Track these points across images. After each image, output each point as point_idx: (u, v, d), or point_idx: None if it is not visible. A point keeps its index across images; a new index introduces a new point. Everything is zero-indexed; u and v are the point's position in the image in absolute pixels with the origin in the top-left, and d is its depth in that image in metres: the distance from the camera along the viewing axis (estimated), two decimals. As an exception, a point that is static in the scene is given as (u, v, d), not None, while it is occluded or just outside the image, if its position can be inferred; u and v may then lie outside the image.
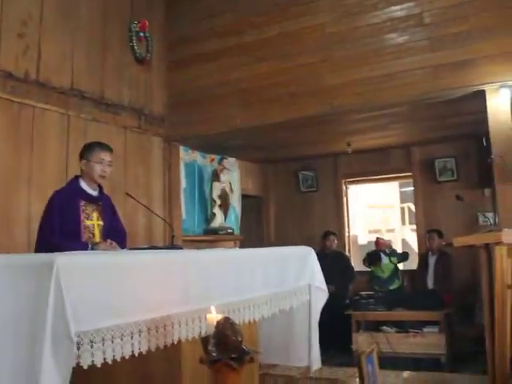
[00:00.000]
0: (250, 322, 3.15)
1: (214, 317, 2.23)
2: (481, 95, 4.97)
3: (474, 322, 6.14)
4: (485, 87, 4.95)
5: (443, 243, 6.55)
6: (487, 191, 6.82)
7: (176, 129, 6.43)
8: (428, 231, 7.15)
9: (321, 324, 7.03)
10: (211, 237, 7.13)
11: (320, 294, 3.83)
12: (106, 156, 3.73)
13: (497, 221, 5.18)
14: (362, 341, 2.67)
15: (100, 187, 3.82)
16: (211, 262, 2.83)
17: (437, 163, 7.60)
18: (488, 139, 5.03)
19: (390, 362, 5.78)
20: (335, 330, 6.05)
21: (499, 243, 3.59)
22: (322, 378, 4.52)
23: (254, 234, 8.31)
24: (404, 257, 7.34)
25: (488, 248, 3.76)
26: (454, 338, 6.33)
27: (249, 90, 5.92)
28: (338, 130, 6.69)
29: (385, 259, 7.07)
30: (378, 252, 7.18)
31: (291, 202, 8.70)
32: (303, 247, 3.86)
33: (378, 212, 12.04)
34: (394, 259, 7.11)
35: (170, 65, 6.53)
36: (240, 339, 2.18)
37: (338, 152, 7.87)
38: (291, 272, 3.57)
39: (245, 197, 8.29)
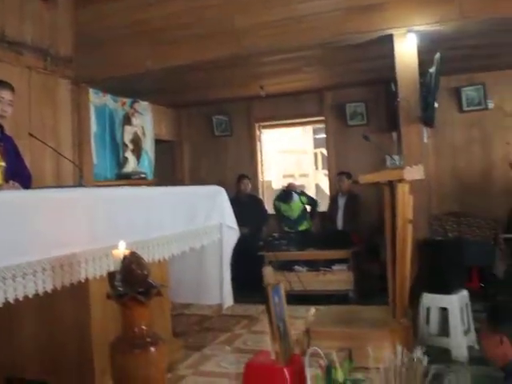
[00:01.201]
0: (159, 261, 3.16)
1: (120, 252, 2.22)
2: (389, 40, 5.07)
3: (380, 259, 6.44)
4: (392, 31, 5.05)
5: (350, 181, 6.72)
6: (395, 135, 7.06)
7: (85, 70, 6.17)
8: (338, 173, 7.35)
9: (235, 265, 7.15)
10: (124, 182, 6.99)
11: (231, 233, 3.89)
12: (6, 94, 3.56)
13: (402, 163, 5.38)
14: (269, 274, 2.74)
15: (1, 127, 3.65)
16: (119, 199, 2.80)
17: (348, 107, 7.76)
18: (396, 84, 5.17)
19: (302, 299, 6.01)
20: (249, 271, 6.17)
21: (401, 180, 3.76)
22: (234, 315, 4.63)
23: (167, 179, 8.23)
24: (313, 201, 7.52)
25: (391, 185, 3.92)
26: (361, 274, 6.63)
27: (157, 31, 5.76)
28: (250, 73, 6.65)
29: (295, 198, 7.23)
30: (289, 191, 7.31)
31: (205, 147, 8.65)
32: (213, 186, 3.89)
33: (291, 157, 12.23)
34: (304, 199, 7.29)
35: (77, 2, 6.20)
36: (146, 273, 2.19)
37: (252, 96, 7.84)
38: (201, 211, 3.60)
39: (158, 141, 8.17)
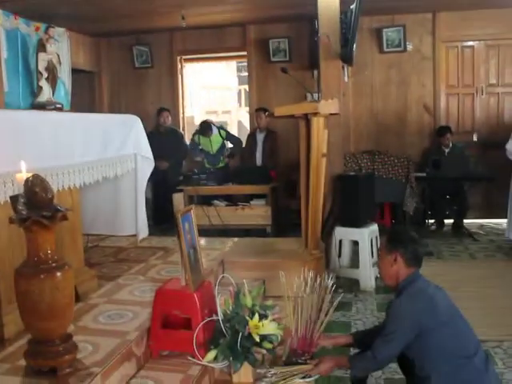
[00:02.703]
0: (70, 189, 3.09)
1: (23, 175, 2.14)
2: (311, -26, 5.02)
3: (297, 195, 6.58)
4: (315, -34, 5.01)
5: (266, 113, 6.71)
6: (316, 73, 7.08)
7: (-9, -12, 5.77)
8: (256, 110, 7.34)
9: (155, 199, 7.12)
10: (38, 111, 6.69)
11: (146, 163, 3.83)
12: None
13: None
14: (179, 201, 2.74)
15: None
16: (24, 123, 2.67)
17: (271, 43, 7.69)
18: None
19: (222, 234, 6.10)
20: (169, 205, 6.15)
21: (316, 114, 3.80)
22: (151, 247, 4.63)
23: (86, 110, 7.90)
24: (237, 140, 7.44)
25: (307, 119, 3.96)
26: (279, 210, 6.79)
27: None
28: (172, 2, 6.42)
29: (215, 131, 7.18)
30: (209, 123, 7.23)
31: (125, 78, 8.39)
32: (128, 115, 3.79)
33: (215, 94, 12.11)
34: (223, 133, 7.25)
35: None
36: (50, 196, 2.13)
37: (173, 27, 7.60)
38: (115, 139, 3.51)
39: (76, 71, 7.80)
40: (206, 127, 7.15)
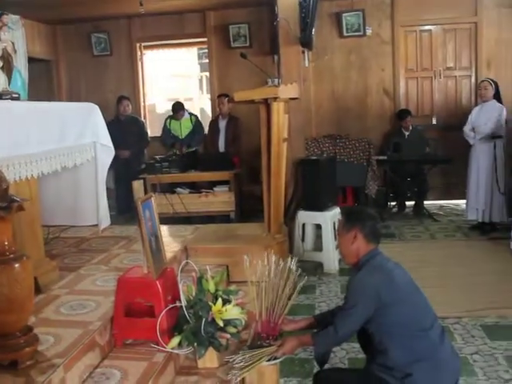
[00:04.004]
0: (28, 179, 3.03)
1: (-24, 165, 2.10)
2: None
3: (260, 181, 6.59)
4: None
5: (226, 99, 6.68)
6: (276, 58, 7.09)
7: None
8: (218, 96, 7.32)
9: (118, 188, 7.04)
10: (-7, 102, 6.53)
11: (106, 152, 3.77)
12: None
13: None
14: (138, 189, 2.71)
15: None
16: (-24, 113, 2.61)
17: (231, 29, 7.66)
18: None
19: (185, 221, 6.08)
20: (132, 194, 6.09)
21: (276, 98, 3.81)
22: (113, 236, 4.59)
23: (44, 100, 7.72)
24: (200, 132, 7.40)
25: (267, 104, 3.96)
26: (242, 196, 6.80)
27: None
28: (128, -13, 6.34)
29: (187, 115, 7.18)
30: (182, 104, 7.21)
31: (84, 66, 8.24)
32: (86, 103, 3.73)
33: (177, 81, 12.00)
34: (194, 119, 7.25)
35: None
36: (5, 187, 2.09)
37: (132, 13, 7.50)
38: (74, 128, 3.45)
39: (32, 60, 7.62)
40: (178, 107, 7.16)
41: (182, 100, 11.44)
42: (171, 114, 7.34)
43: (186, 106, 7.43)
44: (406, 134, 7.08)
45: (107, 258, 3.94)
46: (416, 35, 7.62)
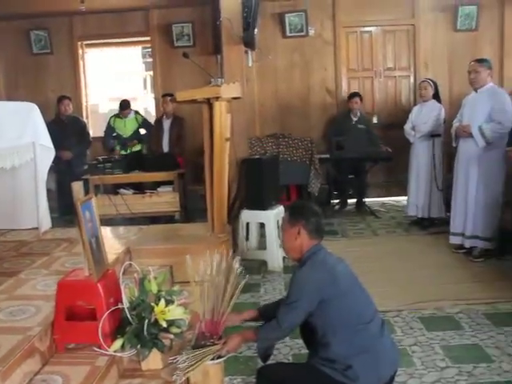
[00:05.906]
0: (-38, 182, 2.95)
1: None
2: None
3: (204, 181, 6.59)
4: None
5: (170, 99, 6.63)
6: (219, 57, 7.09)
7: None
8: (162, 95, 7.27)
9: (60, 190, 6.88)
10: None
11: (46, 153, 3.71)
12: None
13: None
14: (77, 190, 2.67)
15: None
16: None
17: (174, 28, 7.63)
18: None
19: (129, 222, 6.00)
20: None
21: (218, 98, 3.82)
22: (55, 239, 4.49)
23: (-20, 99, 7.56)
24: (150, 125, 7.35)
25: (209, 103, 3.96)
26: (186, 196, 6.77)
27: None
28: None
29: (132, 114, 7.13)
30: (128, 102, 7.12)
31: (23, 65, 8.00)
32: (25, 103, 3.65)
33: (120, 80, 11.86)
34: (140, 118, 7.21)
35: None
36: None
37: (73, 11, 7.35)
38: (11, 128, 3.38)
39: (-34, 59, 7.41)
40: (124, 105, 7.09)
41: (125, 99, 11.32)
42: (116, 112, 7.23)
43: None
44: (354, 119, 7.15)
45: (48, 261, 3.85)
46: (357, 36, 7.78)
